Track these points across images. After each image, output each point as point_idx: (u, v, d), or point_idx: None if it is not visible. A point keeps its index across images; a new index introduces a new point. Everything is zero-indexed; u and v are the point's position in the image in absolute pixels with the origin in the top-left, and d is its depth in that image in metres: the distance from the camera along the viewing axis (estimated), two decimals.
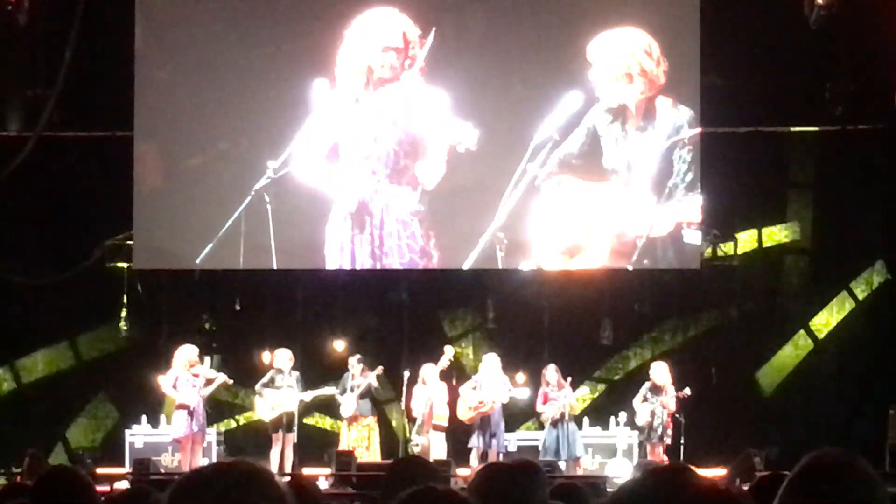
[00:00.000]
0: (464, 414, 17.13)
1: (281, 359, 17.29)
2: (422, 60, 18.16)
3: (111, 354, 19.69)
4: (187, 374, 16.77)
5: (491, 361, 17.30)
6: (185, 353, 16.95)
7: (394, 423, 18.99)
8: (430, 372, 17.19)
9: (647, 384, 17.06)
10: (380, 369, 17.49)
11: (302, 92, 18.20)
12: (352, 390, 17.28)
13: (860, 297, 19.07)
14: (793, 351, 19.28)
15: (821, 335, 19.18)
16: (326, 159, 18.41)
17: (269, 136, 18.35)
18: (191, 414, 16.62)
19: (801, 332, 19.25)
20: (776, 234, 19.35)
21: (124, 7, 18.06)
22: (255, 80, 18.44)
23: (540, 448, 17.19)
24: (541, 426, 17.47)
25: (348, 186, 18.32)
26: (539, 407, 17.24)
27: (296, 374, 17.29)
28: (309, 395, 17.44)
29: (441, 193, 18.18)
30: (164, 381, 16.94)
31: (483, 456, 16.73)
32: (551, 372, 17.28)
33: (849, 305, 19.10)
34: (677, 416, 17.09)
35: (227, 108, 18.50)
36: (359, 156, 18.37)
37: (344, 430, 17.46)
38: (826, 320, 19.21)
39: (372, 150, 18.32)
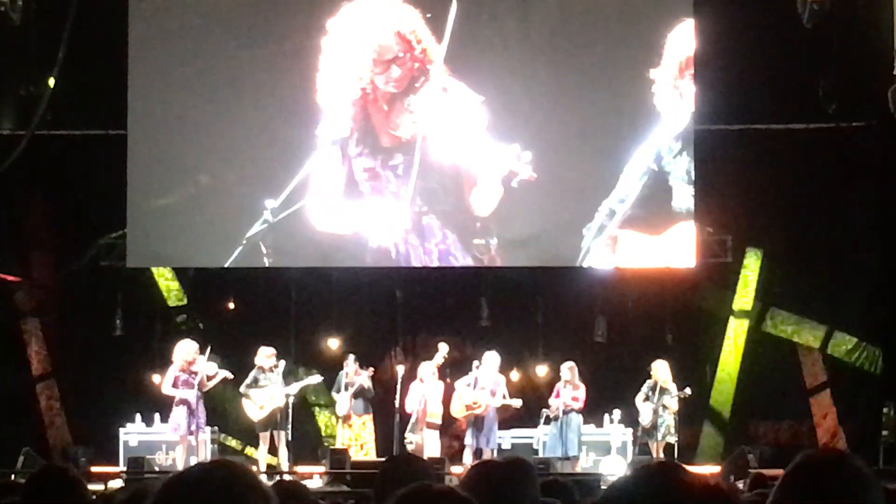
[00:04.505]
0: (458, 411, 17.04)
1: (262, 357, 17.19)
2: (443, 49, 16.18)
3: (106, 352, 19.62)
4: (186, 372, 16.63)
5: (491, 360, 17.12)
6: (184, 350, 16.81)
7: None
8: (426, 370, 17.15)
9: (649, 382, 16.95)
10: (371, 370, 17.43)
11: (306, 117, 17.11)
12: (346, 388, 17.24)
13: (854, 293, 19.04)
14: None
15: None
16: (344, 198, 16.90)
17: (267, 170, 17.14)
18: (191, 411, 16.50)
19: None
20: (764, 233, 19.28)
21: (117, 5, 17.97)
22: (253, 101, 17.35)
23: (536, 445, 17.16)
24: (542, 421, 17.30)
25: (382, 236, 17.10)
26: (551, 400, 17.17)
27: (280, 367, 17.08)
28: (295, 388, 17.20)
29: (504, 218, 16.94)
30: (164, 381, 16.76)
31: (477, 454, 16.67)
32: (565, 370, 17.19)
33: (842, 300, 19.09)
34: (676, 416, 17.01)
35: (216, 135, 17.48)
36: (390, 196, 16.78)
37: (339, 429, 17.40)
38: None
39: (405, 188, 16.77)
